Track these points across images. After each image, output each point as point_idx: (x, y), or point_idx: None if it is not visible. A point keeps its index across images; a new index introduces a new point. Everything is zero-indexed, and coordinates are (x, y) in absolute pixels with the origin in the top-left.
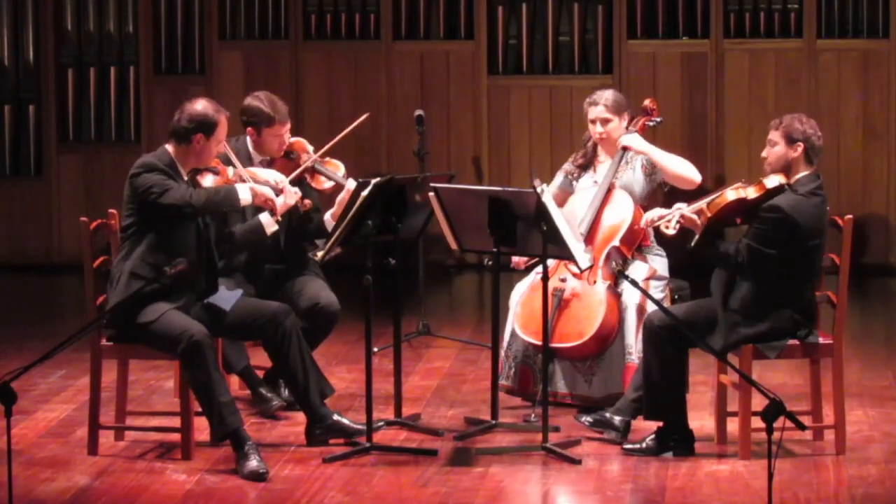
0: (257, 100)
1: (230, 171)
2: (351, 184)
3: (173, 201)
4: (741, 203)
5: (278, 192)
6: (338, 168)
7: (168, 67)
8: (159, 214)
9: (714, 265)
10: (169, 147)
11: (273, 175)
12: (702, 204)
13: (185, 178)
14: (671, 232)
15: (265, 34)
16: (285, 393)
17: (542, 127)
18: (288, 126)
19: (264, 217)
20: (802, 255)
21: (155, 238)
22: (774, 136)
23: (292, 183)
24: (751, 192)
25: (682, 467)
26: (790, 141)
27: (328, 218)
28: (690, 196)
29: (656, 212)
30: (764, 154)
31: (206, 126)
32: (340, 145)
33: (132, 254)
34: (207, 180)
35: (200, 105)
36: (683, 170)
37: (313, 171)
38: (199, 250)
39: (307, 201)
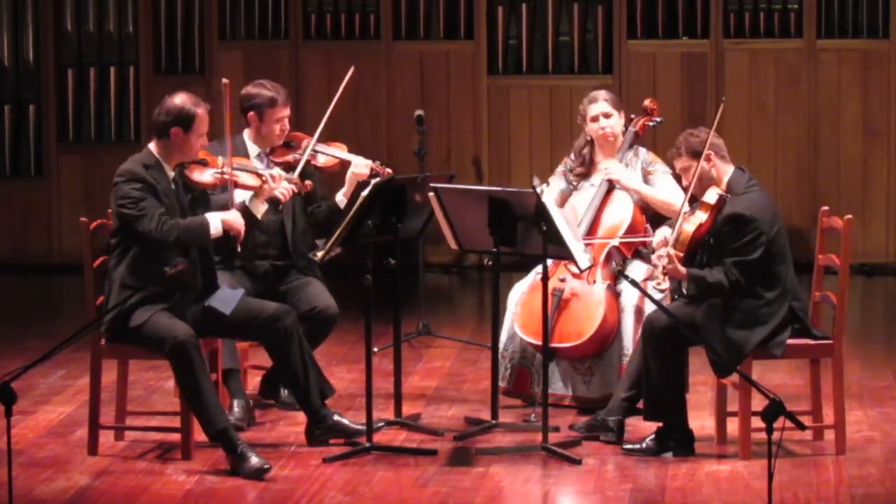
0: (258, 85)
1: (220, 160)
2: (358, 160)
3: (144, 232)
4: (700, 230)
5: (264, 181)
6: (341, 148)
7: (168, 67)
8: (134, 233)
9: (712, 297)
10: (152, 145)
11: (264, 167)
12: (669, 250)
13: (171, 176)
14: (665, 286)
15: (265, 34)
16: (285, 393)
17: (542, 127)
18: (289, 110)
19: (213, 220)
20: (773, 245)
21: (142, 246)
22: (681, 162)
23: (300, 174)
24: (701, 216)
25: (682, 467)
26: (696, 155)
27: (340, 198)
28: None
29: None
30: (685, 183)
31: (183, 119)
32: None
33: (122, 262)
34: (197, 173)
35: (179, 99)
36: (668, 200)
37: (315, 153)
38: (190, 251)
39: (308, 182)
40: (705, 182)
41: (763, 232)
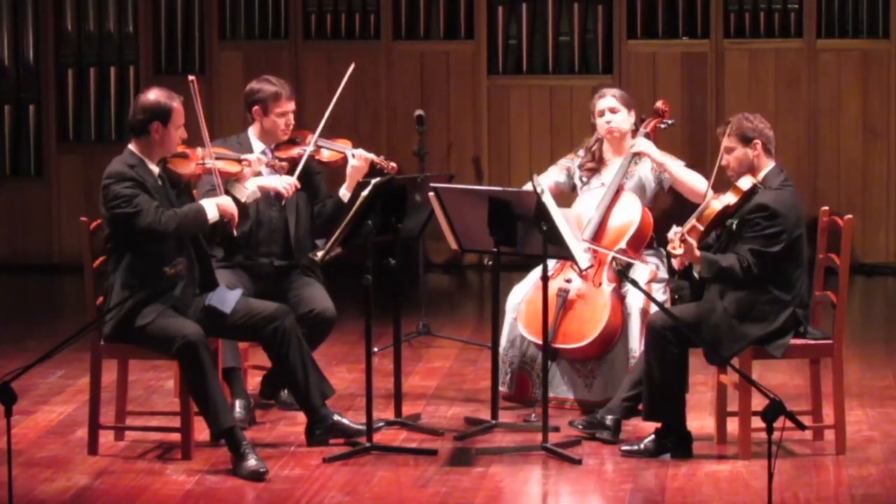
0: (262, 80)
1: (199, 150)
2: (356, 152)
3: (145, 226)
4: (726, 210)
5: (243, 165)
6: (346, 144)
7: (168, 67)
8: (133, 230)
9: (720, 283)
10: (132, 146)
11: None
12: (692, 221)
13: (156, 172)
14: (679, 252)
15: (265, 34)
16: (285, 393)
17: (542, 127)
18: (294, 104)
19: (208, 205)
20: (791, 247)
21: (137, 247)
22: (729, 141)
23: (300, 172)
24: (731, 198)
25: (682, 467)
26: (746, 141)
27: (344, 192)
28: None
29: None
30: (723, 163)
31: (160, 114)
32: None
33: (119, 266)
34: (181, 165)
35: (152, 94)
36: (694, 182)
37: (318, 148)
38: (185, 248)
39: (295, 183)
40: (743, 168)
41: (786, 229)
